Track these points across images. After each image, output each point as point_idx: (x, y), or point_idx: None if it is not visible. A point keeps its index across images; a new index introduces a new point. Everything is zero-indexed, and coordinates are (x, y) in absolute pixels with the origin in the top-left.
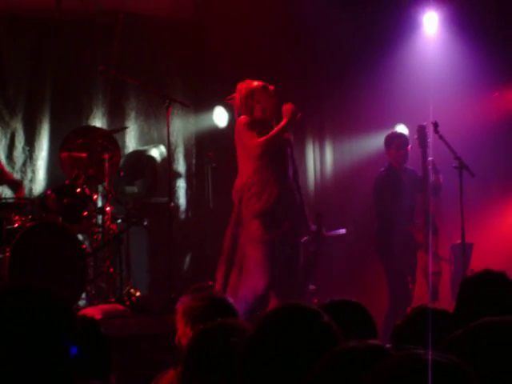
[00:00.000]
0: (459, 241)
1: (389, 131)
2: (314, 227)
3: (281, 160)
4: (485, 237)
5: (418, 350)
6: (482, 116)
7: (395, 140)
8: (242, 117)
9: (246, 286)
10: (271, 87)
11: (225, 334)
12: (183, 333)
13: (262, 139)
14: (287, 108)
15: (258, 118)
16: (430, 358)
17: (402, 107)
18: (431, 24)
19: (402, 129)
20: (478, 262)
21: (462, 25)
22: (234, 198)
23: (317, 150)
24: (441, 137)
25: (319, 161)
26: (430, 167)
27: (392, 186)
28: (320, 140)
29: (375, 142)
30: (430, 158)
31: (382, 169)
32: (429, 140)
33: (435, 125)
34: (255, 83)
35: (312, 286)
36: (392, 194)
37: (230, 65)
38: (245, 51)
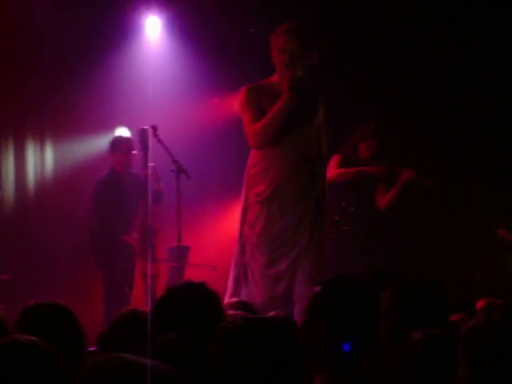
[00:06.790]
0: (176, 243)
1: (110, 133)
2: None
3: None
4: (202, 238)
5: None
6: (201, 121)
7: (122, 144)
8: (243, 87)
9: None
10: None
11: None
12: None
13: (257, 126)
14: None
15: (269, 82)
16: (148, 362)
17: (123, 110)
18: (153, 28)
19: (123, 131)
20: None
21: (185, 30)
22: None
23: (37, 151)
24: (159, 140)
25: (39, 161)
26: (150, 173)
27: (114, 190)
28: (40, 141)
29: (97, 144)
30: (150, 165)
31: (105, 172)
32: (149, 144)
33: (154, 128)
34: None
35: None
36: (113, 199)
37: None
38: None
